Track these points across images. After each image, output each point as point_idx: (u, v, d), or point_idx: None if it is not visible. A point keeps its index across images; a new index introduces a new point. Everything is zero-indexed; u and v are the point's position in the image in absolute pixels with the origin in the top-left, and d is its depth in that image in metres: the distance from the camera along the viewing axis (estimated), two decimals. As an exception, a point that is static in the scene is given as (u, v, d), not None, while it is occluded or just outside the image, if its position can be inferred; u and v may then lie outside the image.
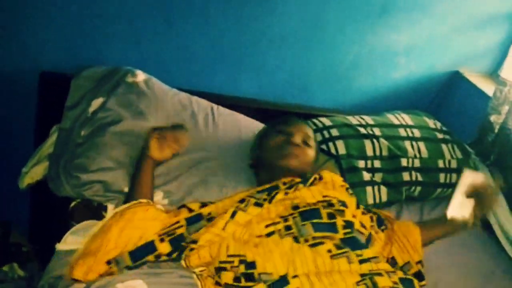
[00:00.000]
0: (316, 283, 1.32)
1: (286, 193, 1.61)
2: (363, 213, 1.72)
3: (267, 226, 1.50)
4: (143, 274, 1.41)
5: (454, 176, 2.12)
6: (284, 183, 1.65)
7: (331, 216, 1.54)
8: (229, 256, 1.44)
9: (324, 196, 1.63)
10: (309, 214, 1.53)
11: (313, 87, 2.32)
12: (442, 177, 2.11)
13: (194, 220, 1.54)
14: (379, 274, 1.36)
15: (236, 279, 1.38)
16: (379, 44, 2.27)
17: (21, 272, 2.03)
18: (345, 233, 1.49)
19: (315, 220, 1.50)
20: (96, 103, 1.82)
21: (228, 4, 2.04)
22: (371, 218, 1.74)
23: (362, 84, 2.36)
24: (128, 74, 1.91)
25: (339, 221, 1.52)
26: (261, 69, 2.23)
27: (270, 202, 1.56)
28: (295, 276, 1.34)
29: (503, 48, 2.34)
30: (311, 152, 1.82)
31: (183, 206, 1.64)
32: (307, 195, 1.62)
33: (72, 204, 1.73)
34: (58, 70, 1.96)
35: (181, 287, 1.41)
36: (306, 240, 1.45)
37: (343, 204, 1.62)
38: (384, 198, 2.02)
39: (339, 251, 1.42)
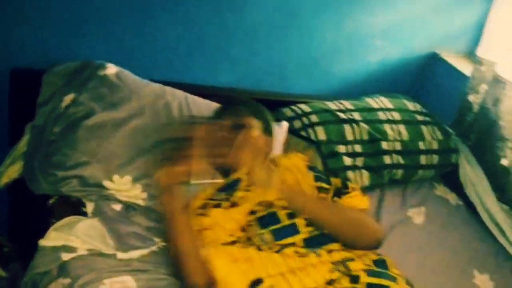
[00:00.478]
0: (290, 278, 1.34)
1: (247, 190, 1.55)
2: (319, 189, 1.59)
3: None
4: (132, 270, 1.45)
5: (435, 157, 2.13)
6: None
7: (290, 216, 1.48)
8: None
9: None
10: (267, 220, 1.47)
11: (291, 74, 2.31)
12: (423, 159, 2.12)
13: None
14: (351, 259, 1.39)
15: None
16: (355, 28, 2.26)
17: (2, 272, 2.00)
18: (309, 232, 1.45)
19: (274, 227, 1.46)
20: (68, 98, 1.80)
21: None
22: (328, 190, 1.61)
23: (340, 69, 2.35)
24: (99, 67, 1.87)
25: (300, 221, 1.46)
26: (238, 58, 2.21)
27: (231, 203, 1.53)
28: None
29: (479, 28, 2.34)
30: (249, 134, 1.59)
31: None
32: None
33: (51, 201, 1.72)
34: (30, 66, 1.92)
35: (167, 282, 1.45)
36: (271, 248, 1.43)
37: None
38: (366, 182, 2.02)
39: (306, 250, 1.41)
